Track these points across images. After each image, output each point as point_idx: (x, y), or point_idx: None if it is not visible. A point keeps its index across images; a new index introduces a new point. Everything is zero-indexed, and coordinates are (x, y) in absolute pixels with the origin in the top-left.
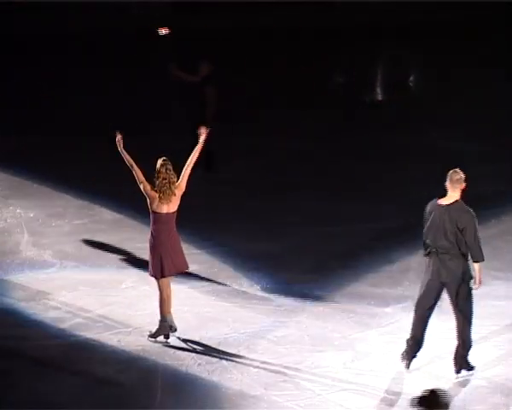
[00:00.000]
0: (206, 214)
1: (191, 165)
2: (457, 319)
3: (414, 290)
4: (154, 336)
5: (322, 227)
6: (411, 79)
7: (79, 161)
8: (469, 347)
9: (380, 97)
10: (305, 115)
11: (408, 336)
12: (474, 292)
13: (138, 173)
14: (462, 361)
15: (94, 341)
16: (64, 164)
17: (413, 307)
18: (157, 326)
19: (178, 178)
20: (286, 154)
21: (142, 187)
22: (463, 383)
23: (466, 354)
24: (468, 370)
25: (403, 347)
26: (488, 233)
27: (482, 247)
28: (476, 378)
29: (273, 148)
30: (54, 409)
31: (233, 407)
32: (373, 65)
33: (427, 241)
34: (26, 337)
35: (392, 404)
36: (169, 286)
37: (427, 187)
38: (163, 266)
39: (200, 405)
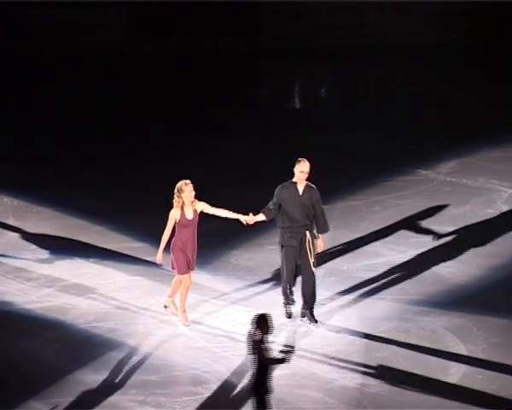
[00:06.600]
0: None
1: (217, 213)
2: (307, 279)
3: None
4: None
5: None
6: (323, 90)
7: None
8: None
9: (298, 106)
10: (238, 120)
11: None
12: (370, 262)
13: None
14: (309, 315)
15: (68, 304)
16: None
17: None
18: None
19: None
20: (225, 152)
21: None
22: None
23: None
24: (315, 322)
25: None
26: (386, 214)
27: (383, 225)
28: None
29: (214, 147)
30: (32, 362)
31: (180, 356)
32: (292, 79)
33: (286, 218)
34: (12, 303)
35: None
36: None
37: (331, 176)
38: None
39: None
